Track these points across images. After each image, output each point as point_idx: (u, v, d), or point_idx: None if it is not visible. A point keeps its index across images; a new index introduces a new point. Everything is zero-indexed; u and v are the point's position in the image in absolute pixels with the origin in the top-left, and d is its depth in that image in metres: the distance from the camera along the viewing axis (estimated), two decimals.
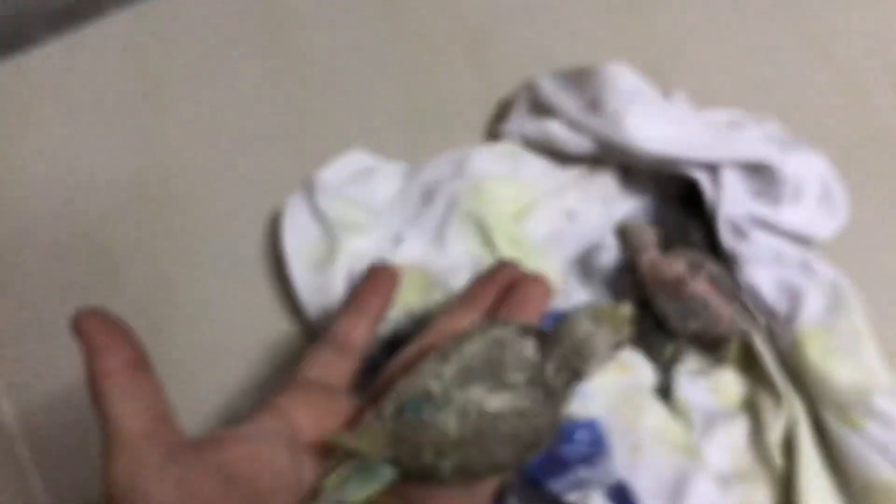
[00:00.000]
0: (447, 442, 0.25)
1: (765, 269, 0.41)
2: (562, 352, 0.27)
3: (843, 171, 0.44)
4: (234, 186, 0.48)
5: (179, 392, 0.41)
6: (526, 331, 0.27)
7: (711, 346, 0.41)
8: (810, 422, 0.38)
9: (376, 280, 0.34)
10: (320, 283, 0.42)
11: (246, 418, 0.28)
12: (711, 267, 0.40)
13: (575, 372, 0.27)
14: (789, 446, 0.38)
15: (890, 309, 0.41)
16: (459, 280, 0.41)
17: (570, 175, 0.45)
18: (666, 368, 0.41)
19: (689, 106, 0.46)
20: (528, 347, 0.27)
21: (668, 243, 0.41)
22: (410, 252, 0.43)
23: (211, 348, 0.44)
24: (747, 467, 0.38)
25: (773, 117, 0.46)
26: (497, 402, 0.26)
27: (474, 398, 0.26)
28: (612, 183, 0.45)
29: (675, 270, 0.40)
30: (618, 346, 0.27)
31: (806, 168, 0.43)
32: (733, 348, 0.41)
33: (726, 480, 0.37)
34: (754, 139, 0.44)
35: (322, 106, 0.50)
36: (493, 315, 0.31)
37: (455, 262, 0.42)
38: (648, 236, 0.41)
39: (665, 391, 0.40)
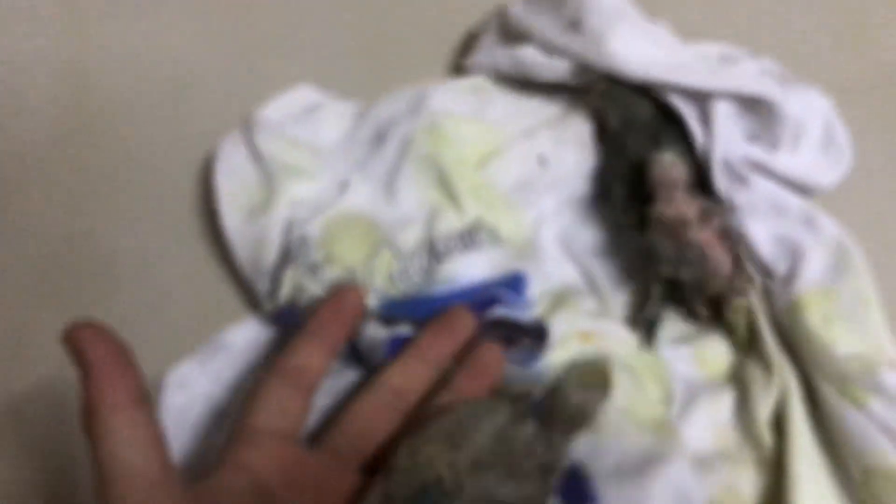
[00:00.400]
0: None
1: (764, 220, 0.36)
2: (560, 427, 0.28)
3: (846, 114, 0.39)
4: (169, 127, 0.43)
5: None
6: (520, 408, 0.28)
7: (707, 305, 0.36)
8: (805, 397, 0.34)
9: (339, 304, 0.32)
10: (255, 232, 0.37)
11: (208, 476, 0.27)
12: (725, 221, 0.35)
13: (570, 440, 0.28)
14: (780, 424, 0.33)
15: (892, 268, 0.36)
16: (411, 237, 0.37)
17: (542, 116, 0.40)
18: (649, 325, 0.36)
19: (675, 37, 0.40)
20: (529, 430, 0.28)
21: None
22: (357, 200, 0.38)
23: (139, 303, 0.39)
24: (732, 447, 0.33)
25: (768, 54, 0.40)
26: (507, 489, 0.26)
27: (488, 487, 0.26)
28: (589, 128, 0.40)
29: (683, 212, 0.35)
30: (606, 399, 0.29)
31: (808, 108, 0.38)
32: (740, 322, 0.36)
33: (706, 462, 0.32)
34: (751, 72, 0.38)
35: (268, 37, 0.45)
36: (448, 377, 0.32)
37: (407, 214, 0.37)
38: (678, 172, 0.36)
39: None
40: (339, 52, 0.45)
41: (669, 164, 0.36)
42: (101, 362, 0.24)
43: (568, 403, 0.29)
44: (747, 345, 0.36)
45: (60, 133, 0.42)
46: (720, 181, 0.37)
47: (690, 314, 0.36)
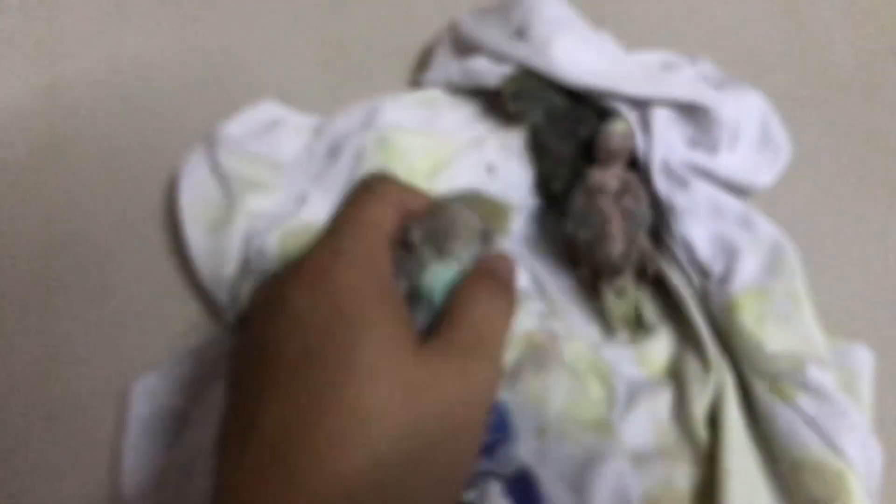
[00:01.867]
0: None
1: (703, 222, 0.38)
2: (430, 226, 0.27)
3: (785, 115, 0.40)
4: (133, 142, 0.44)
5: (72, 367, 0.39)
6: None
7: (591, 272, 0.38)
8: (740, 393, 0.35)
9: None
10: (215, 244, 0.39)
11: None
12: (636, 207, 0.37)
13: (438, 248, 0.27)
14: (715, 419, 0.35)
15: (825, 263, 0.38)
16: None
17: (490, 124, 0.41)
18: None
19: (618, 46, 0.42)
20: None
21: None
22: (314, 213, 0.39)
23: (107, 316, 0.40)
24: (671, 444, 0.35)
25: (707, 56, 0.42)
26: None
27: None
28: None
29: (603, 179, 0.37)
30: (486, 235, 0.28)
31: (743, 108, 0.40)
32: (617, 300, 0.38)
33: (645, 459, 0.34)
34: (688, 79, 0.40)
35: (232, 53, 0.46)
36: None
37: None
38: (623, 143, 0.38)
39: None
40: (302, 67, 0.46)
41: (619, 134, 0.38)
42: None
43: (445, 211, 0.28)
44: (633, 323, 0.38)
45: (29, 150, 0.44)
46: (660, 184, 0.38)
47: (576, 274, 0.39)
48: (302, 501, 0.21)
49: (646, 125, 0.38)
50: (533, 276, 0.39)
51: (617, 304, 0.37)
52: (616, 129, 0.38)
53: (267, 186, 0.40)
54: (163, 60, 0.46)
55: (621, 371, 0.37)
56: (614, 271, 0.36)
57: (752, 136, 0.39)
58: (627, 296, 0.38)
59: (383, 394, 0.22)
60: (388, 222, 0.26)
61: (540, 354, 0.35)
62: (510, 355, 0.36)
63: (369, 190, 0.27)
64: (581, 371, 0.36)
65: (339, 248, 0.25)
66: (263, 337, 0.24)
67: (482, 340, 0.25)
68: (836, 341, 0.36)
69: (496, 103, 0.41)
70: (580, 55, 0.39)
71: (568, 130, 0.39)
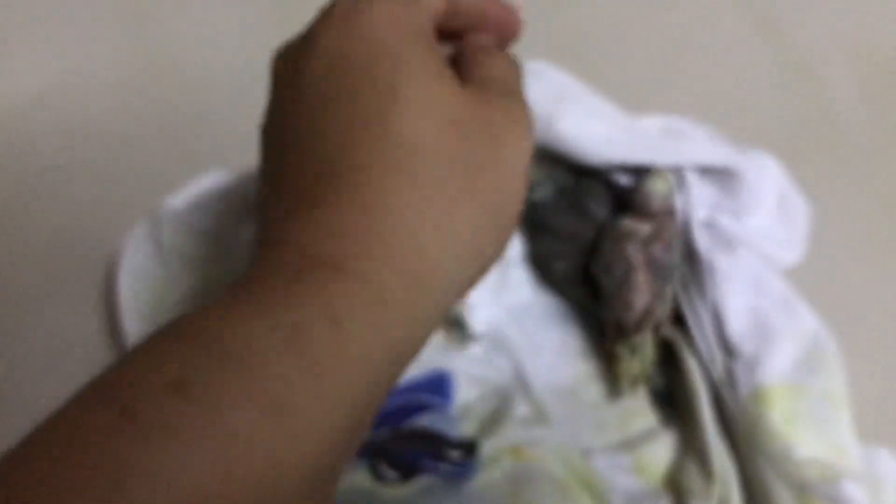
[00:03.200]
0: None
1: (741, 292, 0.33)
2: None
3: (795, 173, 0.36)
4: (74, 214, 0.40)
5: None
6: None
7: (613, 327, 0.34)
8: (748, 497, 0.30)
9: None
10: None
11: None
12: (665, 255, 0.33)
13: None
14: None
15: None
16: None
17: None
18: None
19: (619, 110, 0.38)
20: None
21: None
22: None
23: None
24: None
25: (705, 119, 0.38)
26: None
27: None
28: None
29: (635, 226, 0.33)
30: None
31: (762, 173, 0.35)
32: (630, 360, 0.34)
33: None
34: (705, 142, 0.36)
35: (184, 118, 0.42)
36: None
37: None
38: (667, 204, 0.34)
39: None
40: (251, 131, 0.42)
41: (660, 194, 0.34)
42: None
43: None
44: (641, 379, 0.34)
45: None
46: (701, 241, 0.34)
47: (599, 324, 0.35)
48: (358, 228, 0.20)
49: (680, 182, 0.34)
50: (518, 371, 0.35)
51: (630, 362, 0.33)
52: (656, 188, 0.33)
53: (210, 263, 0.36)
54: (114, 127, 0.42)
55: (615, 481, 0.32)
56: (635, 327, 0.33)
57: (773, 204, 0.35)
58: (642, 352, 0.33)
59: (433, 127, 0.21)
60: None
61: (526, 469, 0.30)
62: (494, 473, 0.31)
63: None
64: (570, 485, 0.31)
65: None
66: (293, 89, 0.23)
67: (514, 91, 0.24)
68: (859, 444, 0.31)
69: None
70: (590, 127, 0.35)
71: (578, 207, 0.35)
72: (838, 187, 0.40)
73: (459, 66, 0.24)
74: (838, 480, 0.29)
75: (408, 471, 0.31)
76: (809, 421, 0.30)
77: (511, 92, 0.24)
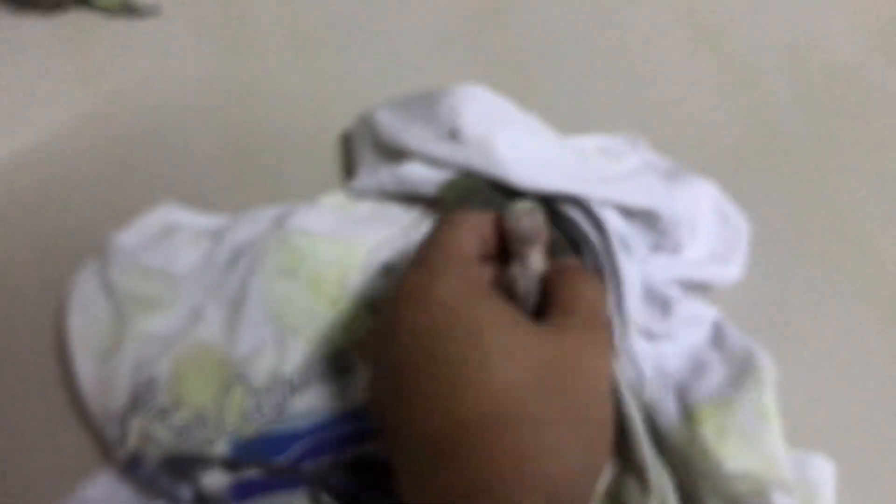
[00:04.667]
0: None
1: (677, 341, 0.34)
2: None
3: (736, 186, 0.37)
4: (20, 254, 0.40)
5: None
6: None
7: None
8: None
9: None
10: (104, 374, 0.35)
11: None
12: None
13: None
14: None
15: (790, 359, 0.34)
16: (262, 369, 0.34)
17: (404, 222, 0.37)
18: None
19: (552, 131, 0.38)
20: None
21: None
22: (209, 331, 0.35)
23: None
24: None
25: (644, 135, 0.38)
26: None
27: None
28: None
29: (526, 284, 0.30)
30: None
31: (694, 199, 0.36)
32: None
33: None
34: (637, 172, 0.36)
35: (136, 151, 0.43)
36: None
37: (258, 342, 0.34)
38: (535, 223, 0.29)
39: None
40: (205, 163, 0.42)
41: (524, 214, 0.29)
42: None
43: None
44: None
45: None
46: (636, 310, 0.34)
47: None
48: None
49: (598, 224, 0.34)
50: None
51: None
52: (519, 206, 0.29)
53: (161, 304, 0.36)
54: (63, 161, 0.43)
55: None
56: None
57: (709, 230, 0.36)
58: None
59: (521, 372, 0.24)
60: (469, 243, 0.28)
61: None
62: None
63: (447, 221, 0.29)
64: None
65: (432, 267, 0.27)
66: (387, 365, 0.26)
67: (598, 316, 0.27)
68: (793, 451, 0.32)
69: (406, 200, 0.38)
70: (524, 150, 0.36)
71: None
72: (780, 197, 0.40)
73: (548, 289, 0.27)
74: (768, 493, 0.29)
75: (350, 501, 0.31)
76: (739, 435, 0.31)
77: (595, 317, 0.27)
